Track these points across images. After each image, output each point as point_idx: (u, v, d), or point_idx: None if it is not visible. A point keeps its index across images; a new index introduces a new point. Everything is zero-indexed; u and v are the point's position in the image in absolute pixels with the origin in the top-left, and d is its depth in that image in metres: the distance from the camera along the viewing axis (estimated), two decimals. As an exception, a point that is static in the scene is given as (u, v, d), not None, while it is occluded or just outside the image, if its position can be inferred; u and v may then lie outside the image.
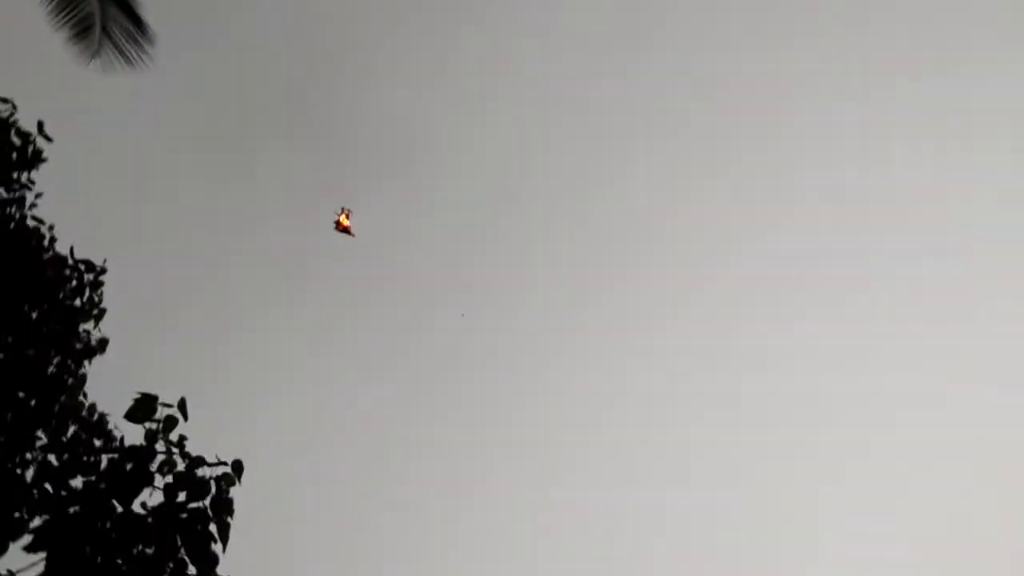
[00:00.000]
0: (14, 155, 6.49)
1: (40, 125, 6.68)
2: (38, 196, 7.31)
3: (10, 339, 6.19)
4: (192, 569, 5.56)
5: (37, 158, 6.81)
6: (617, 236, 30.21)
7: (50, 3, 7.77)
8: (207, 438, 6.04)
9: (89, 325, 6.92)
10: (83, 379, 6.82)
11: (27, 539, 5.56)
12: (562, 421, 28.47)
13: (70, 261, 6.68)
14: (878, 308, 27.99)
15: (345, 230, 20.24)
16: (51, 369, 6.32)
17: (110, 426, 6.18)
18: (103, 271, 7.01)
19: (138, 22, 8.39)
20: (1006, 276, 27.36)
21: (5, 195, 6.52)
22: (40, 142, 6.72)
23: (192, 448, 5.80)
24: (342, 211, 20.34)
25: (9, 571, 5.91)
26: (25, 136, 6.70)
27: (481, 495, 27.19)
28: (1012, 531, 23.95)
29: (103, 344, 7.10)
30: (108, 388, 7.38)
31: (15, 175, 6.51)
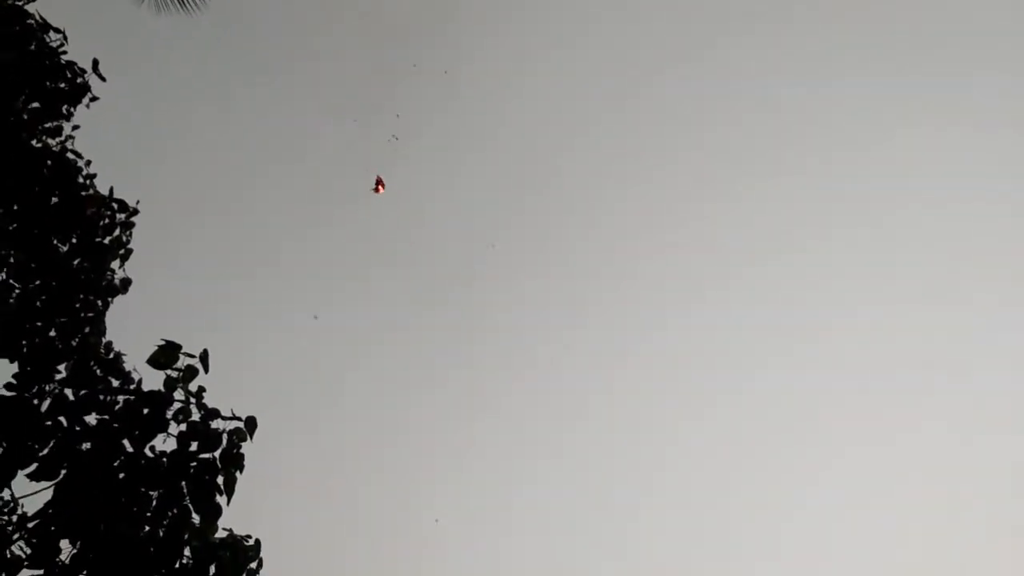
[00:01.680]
0: (63, 86, 6.50)
1: (95, 63, 6.69)
2: (75, 128, 7.35)
3: (39, 269, 6.24)
4: (195, 518, 5.65)
5: (83, 91, 6.82)
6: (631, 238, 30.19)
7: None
8: (221, 393, 6.11)
9: (115, 264, 6.97)
10: (103, 316, 6.89)
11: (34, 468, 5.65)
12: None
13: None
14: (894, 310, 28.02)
15: (379, 183, 21.50)
16: (75, 304, 6.36)
17: (128, 368, 6.22)
18: (135, 212, 7.04)
19: (193, -35, 8.35)
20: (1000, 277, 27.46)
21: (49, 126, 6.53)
22: (93, 81, 6.73)
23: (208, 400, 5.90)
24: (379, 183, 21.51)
25: (12, 495, 5.99)
26: (74, 69, 6.72)
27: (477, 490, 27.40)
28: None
29: (126, 284, 7.15)
30: (122, 328, 7.45)
31: (64, 108, 6.53)
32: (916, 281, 27.96)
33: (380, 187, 21.07)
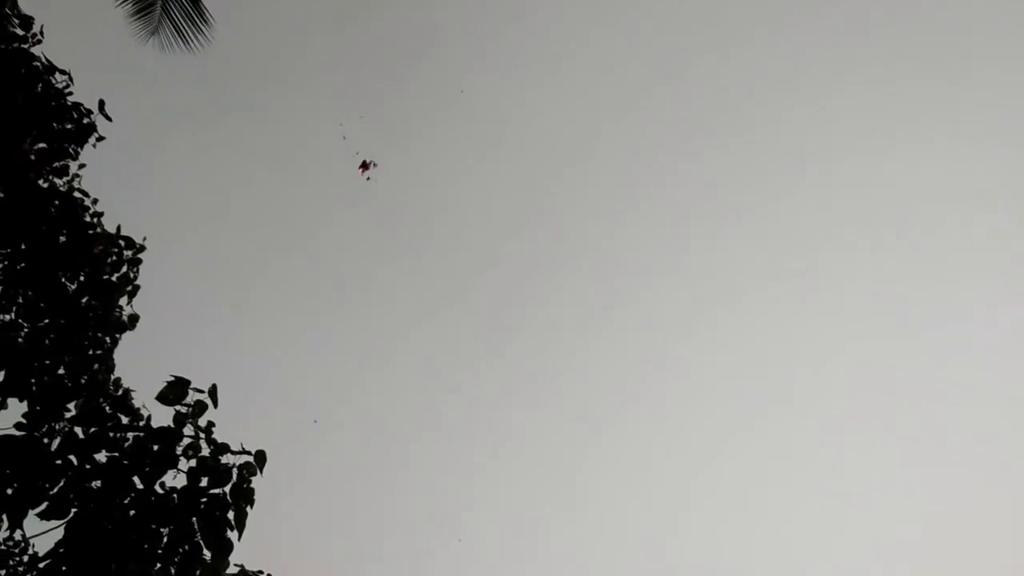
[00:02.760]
0: (70, 127, 6.58)
1: (101, 104, 6.77)
2: (81, 167, 7.44)
3: (48, 307, 6.27)
4: (206, 553, 5.63)
5: (89, 131, 6.90)
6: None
7: (115, -22, 7.87)
8: (228, 426, 6.12)
9: (123, 300, 7.01)
10: (111, 352, 6.92)
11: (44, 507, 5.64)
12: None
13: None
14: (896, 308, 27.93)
15: (364, 166, 21.49)
16: (84, 342, 6.38)
17: (137, 405, 6.23)
18: (142, 248, 7.09)
19: (196, 2, 8.48)
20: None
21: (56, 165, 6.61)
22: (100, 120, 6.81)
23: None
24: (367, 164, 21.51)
25: (23, 535, 5.98)
26: (80, 110, 6.80)
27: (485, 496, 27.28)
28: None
29: (134, 320, 7.18)
30: (131, 364, 7.48)
31: (71, 148, 6.60)
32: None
33: (364, 168, 20.93)
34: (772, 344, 28.20)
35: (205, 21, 8.46)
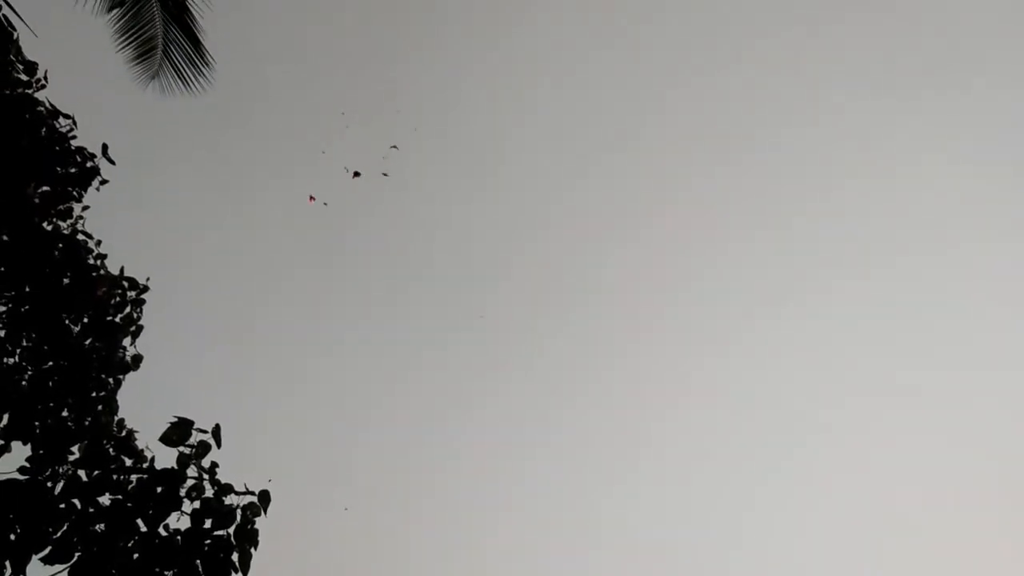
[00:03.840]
0: (73, 170, 6.66)
1: (104, 148, 6.85)
2: (85, 209, 7.51)
3: (51, 350, 6.29)
4: (211, 597, 5.59)
5: (92, 175, 6.98)
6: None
7: (117, 22, 8.00)
8: (235, 466, 6.11)
9: (126, 341, 7.03)
10: (115, 394, 6.93)
11: (48, 551, 5.62)
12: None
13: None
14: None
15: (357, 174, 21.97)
16: (87, 383, 6.39)
17: (141, 446, 6.23)
18: (145, 289, 7.13)
19: (197, 45, 8.61)
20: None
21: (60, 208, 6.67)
22: (102, 163, 6.90)
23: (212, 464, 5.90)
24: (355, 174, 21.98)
25: (27, 582, 5.93)
26: (84, 153, 6.89)
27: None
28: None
29: (137, 361, 7.20)
30: (134, 404, 7.48)
31: (74, 191, 6.67)
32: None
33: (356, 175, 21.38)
34: (792, 362, 28.16)
35: (206, 63, 8.58)
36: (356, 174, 21.59)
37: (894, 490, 26.00)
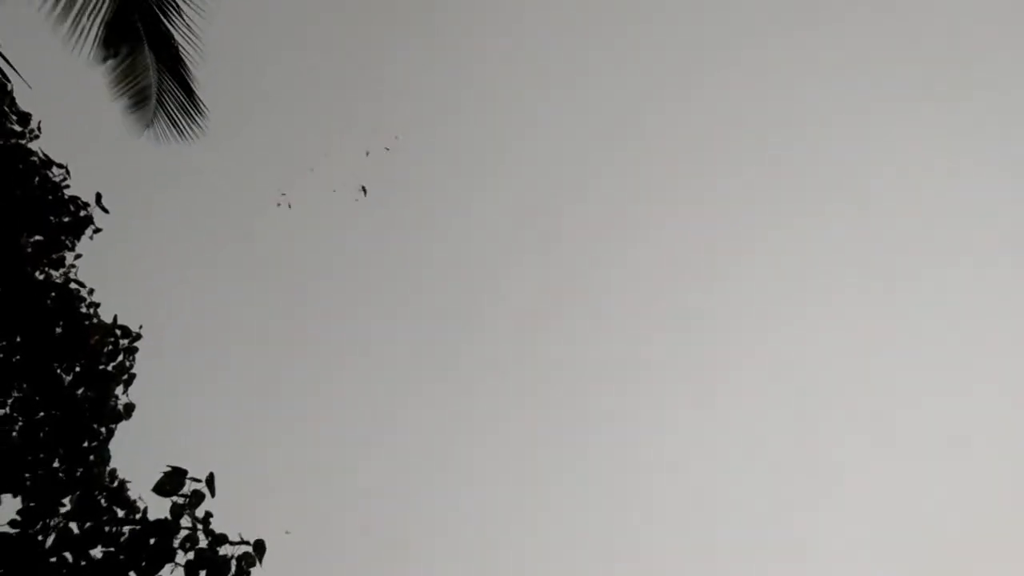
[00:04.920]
0: (66, 219, 6.67)
1: (98, 197, 6.89)
2: (78, 258, 7.51)
3: (43, 400, 6.23)
4: (205, 651, 5.48)
5: (85, 224, 7.00)
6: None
7: (112, 72, 8.10)
8: (229, 515, 6.03)
9: (118, 390, 6.97)
10: (107, 443, 6.85)
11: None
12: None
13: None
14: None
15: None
16: (79, 434, 6.33)
17: (134, 497, 6.14)
18: (138, 336, 7.10)
19: (191, 95, 8.70)
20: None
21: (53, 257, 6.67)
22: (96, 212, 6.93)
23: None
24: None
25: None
26: (77, 203, 6.92)
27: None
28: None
29: (129, 410, 7.13)
30: (125, 454, 7.39)
31: (65, 239, 6.68)
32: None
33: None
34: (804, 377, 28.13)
35: (200, 112, 8.67)
36: (363, 189, 21.75)
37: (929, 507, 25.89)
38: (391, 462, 27.26)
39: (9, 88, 7.37)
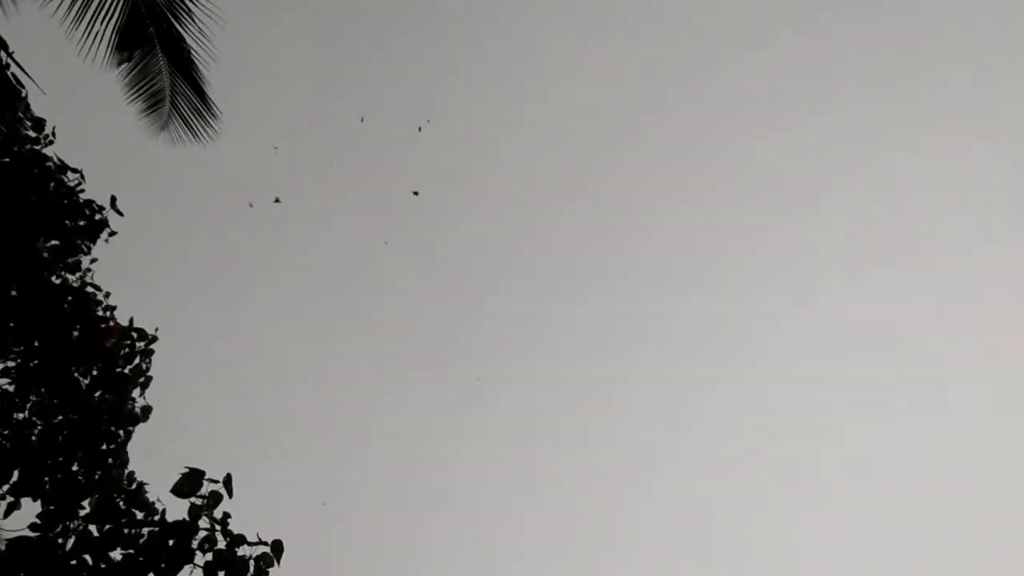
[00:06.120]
0: (82, 223, 6.70)
1: (113, 200, 6.93)
2: (93, 261, 7.53)
3: (61, 404, 6.26)
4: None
5: (101, 227, 7.03)
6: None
7: (126, 76, 8.15)
8: (247, 516, 6.03)
9: (135, 392, 7.00)
10: (125, 446, 6.88)
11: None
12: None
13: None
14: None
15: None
16: (98, 437, 6.35)
17: (152, 499, 6.15)
18: (154, 339, 7.12)
19: (203, 97, 8.73)
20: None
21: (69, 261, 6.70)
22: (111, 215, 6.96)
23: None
24: None
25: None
26: (92, 207, 6.96)
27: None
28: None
29: (146, 412, 7.15)
30: (143, 456, 7.42)
31: (82, 243, 6.71)
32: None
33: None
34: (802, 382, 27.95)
35: (213, 114, 8.70)
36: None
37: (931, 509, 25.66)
38: (404, 462, 27.34)
39: (24, 94, 7.40)
